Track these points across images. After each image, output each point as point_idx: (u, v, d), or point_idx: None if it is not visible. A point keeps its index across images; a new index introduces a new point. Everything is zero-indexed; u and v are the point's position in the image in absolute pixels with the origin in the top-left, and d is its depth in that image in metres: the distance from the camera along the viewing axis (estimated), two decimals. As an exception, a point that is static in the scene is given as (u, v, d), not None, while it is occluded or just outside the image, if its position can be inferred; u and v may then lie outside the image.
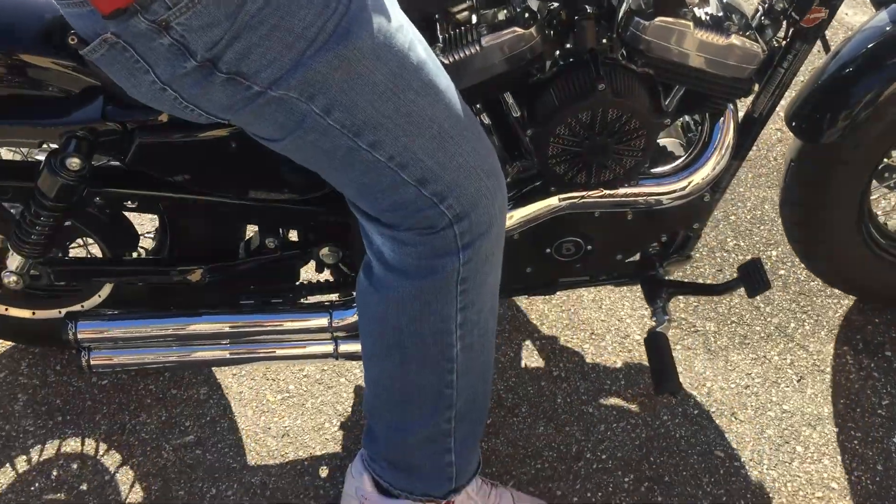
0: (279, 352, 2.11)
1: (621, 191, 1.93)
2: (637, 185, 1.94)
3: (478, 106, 1.84)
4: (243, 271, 2.09)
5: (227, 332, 2.07)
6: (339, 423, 2.29)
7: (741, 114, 1.99)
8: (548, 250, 2.06)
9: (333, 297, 2.18)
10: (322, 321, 2.06)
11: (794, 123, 2.10)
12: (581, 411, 2.31)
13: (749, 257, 2.42)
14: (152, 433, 2.27)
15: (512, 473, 2.19)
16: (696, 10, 1.75)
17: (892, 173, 2.32)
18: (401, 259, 1.63)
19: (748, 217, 2.81)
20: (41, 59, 1.70)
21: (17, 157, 2.32)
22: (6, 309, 2.29)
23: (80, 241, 2.23)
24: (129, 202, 1.94)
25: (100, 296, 2.25)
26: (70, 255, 2.20)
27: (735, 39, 1.74)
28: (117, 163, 1.89)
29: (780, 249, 2.67)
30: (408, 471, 1.91)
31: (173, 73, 1.40)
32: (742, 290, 2.19)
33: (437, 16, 1.78)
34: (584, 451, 2.23)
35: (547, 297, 2.56)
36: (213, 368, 2.41)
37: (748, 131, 2.00)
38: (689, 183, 1.94)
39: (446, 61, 1.70)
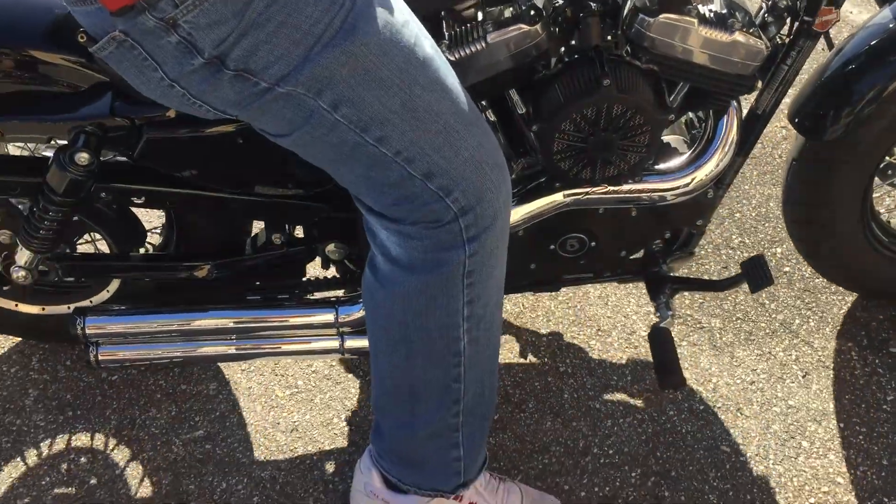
0: (285, 347, 2.12)
1: (625, 187, 1.94)
2: (641, 181, 1.94)
3: (483, 103, 1.85)
4: (250, 267, 2.10)
5: (233, 327, 2.08)
6: (347, 419, 2.30)
7: (745, 111, 2.00)
8: (552, 247, 2.07)
9: (339, 292, 2.18)
10: (328, 317, 2.07)
11: (797, 120, 2.11)
12: (588, 407, 2.32)
13: (753, 254, 2.43)
14: (162, 428, 2.29)
15: (519, 468, 2.19)
16: (700, 7, 1.75)
17: (895, 171, 2.33)
18: (406, 253, 1.64)
19: (753, 214, 2.82)
20: (51, 56, 1.72)
21: (25, 154, 2.33)
22: (16, 305, 2.31)
23: (87, 236, 2.24)
24: (137, 198, 1.95)
25: (108, 291, 2.26)
26: (78, 250, 2.21)
27: (739, 36, 1.75)
28: (124, 158, 1.90)
29: (784, 246, 2.68)
30: (416, 466, 1.91)
31: (181, 71, 1.41)
32: (747, 287, 2.19)
33: (443, 13, 1.79)
34: (591, 446, 2.23)
35: (553, 293, 2.58)
36: (222, 364, 2.42)
37: (752, 128, 2.00)
38: (693, 179, 1.95)
39: (452, 58, 1.71)
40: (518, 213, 1.95)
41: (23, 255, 1.99)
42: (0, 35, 1.71)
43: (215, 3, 1.34)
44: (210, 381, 2.39)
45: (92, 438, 2.27)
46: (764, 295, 2.57)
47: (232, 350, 2.11)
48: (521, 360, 2.43)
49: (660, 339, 2.08)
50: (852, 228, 2.27)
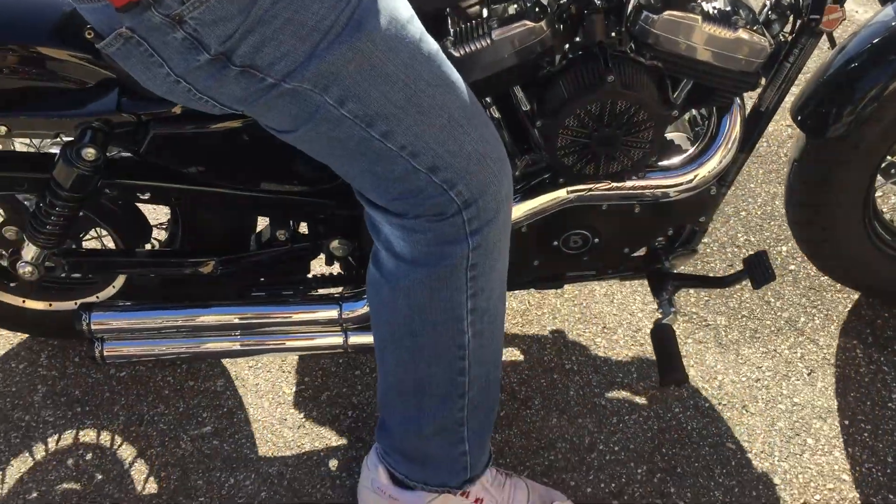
0: (289, 344, 2.13)
1: (629, 183, 1.94)
2: (644, 177, 1.95)
3: (488, 99, 1.85)
4: (254, 264, 2.11)
5: (237, 323, 2.09)
6: (354, 415, 2.31)
7: (748, 108, 2.00)
8: (555, 243, 2.08)
9: (343, 289, 2.19)
10: (332, 313, 2.08)
11: (799, 118, 2.11)
12: (593, 404, 2.33)
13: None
14: (170, 424, 2.30)
15: (526, 464, 2.20)
16: (703, 4, 1.75)
17: (896, 169, 2.34)
18: (410, 247, 1.65)
19: (759, 213, 2.83)
20: (58, 52, 1.73)
21: (31, 150, 2.33)
22: (24, 301, 2.32)
23: (93, 232, 2.26)
24: (142, 194, 1.96)
25: (114, 287, 2.27)
26: (84, 246, 2.22)
27: (742, 34, 1.75)
28: (130, 154, 1.91)
29: (790, 245, 2.68)
30: (422, 462, 1.92)
31: (187, 67, 1.42)
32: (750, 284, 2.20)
33: (448, 10, 1.80)
34: (596, 443, 2.24)
35: (559, 291, 2.58)
36: (229, 361, 2.44)
37: (755, 125, 2.00)
38: (696, 176, 1.95)
39: (457, 54, 1.72)
40: (522, 210, 1.96)
41: (29, 251, 2.00)
42: (8, 32, 1.72)
43: (221, 0, 1.35)
44: (218, 377, 2.40)
45: (100, 434, 2.28)
46: (769, 293, 2.57)
47: (236, 346, 2.12)
48: (527, 358, 2.43)
49: (662, 335, 2.09)
50: (855, 228, 2.27)
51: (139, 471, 2.20)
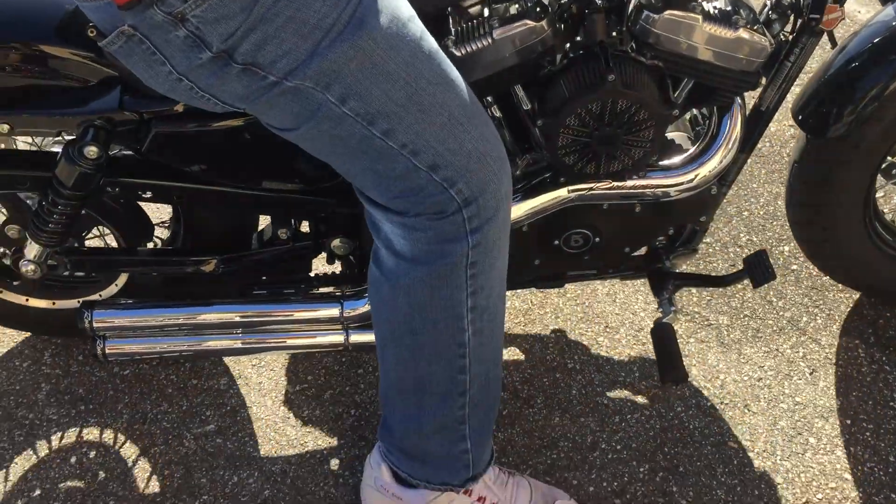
0: (290, 342, 2.14)
1: (629, 182, 1.95)
2: (645, 176, 1.95)
3: (489, 98, 1.85)
4: (256, 262, 2.12)
5: (239, 321, 2.10)
6: (357, 414, 2.32)
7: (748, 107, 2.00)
8: (556, 242, 2.08)
9: (345, 287, 2.19)
10: (333, 311, 2.08)
11: (800, 118, 2.11)
12: (596, 403, 2.33)
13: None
14: (174, 422, 2.31)
15: (528, 463, 2.21)
16: (704, 4, 1.76)
17: (897, 170, 2.34)
18: (410, 246, 1.65)
19: (761, 213, 2.83)
20: (60, 51, 1.73)
21: (33, 149, 2.33)
22: (27, 300, 2.33)
23: (96, 231, 2.26)
24: (144, 192, 1.96)
25: (116, 285, 2.28)
26: (86, 244, 2.23)
27: (743, 33, 1.75)
28: (132, 153, 1.92)
29: (792, 245, 2.68)
30: (424, 460, 1.92)
31: (189, 65, 1.43)
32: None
33: (449, 9, 1.81)
34: (599, 442, 2.25)
35: (562, 291, 2.59)
36: (232, 360, 2.44)
37: (755, 125, 2.01)
38: (697, 175, 1.95)
39: (459, 54, 1.72)
40: (522, 209, 1.96)
41: (32, 249, 2.01)
42: (11, 30, 1.73)
43: (224, -1, 1.36)
44: (221, 376, 2.41)
45: (104, 432, 2.29)
46: (771, 293, 2.58)
47: (238, 344, 2.12)
48: (530, 357, 2.44)
49: (662, 334, 2.10)
50: (855, 228, 2.27)
51: (143, 469, 2.21)
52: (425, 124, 1.53)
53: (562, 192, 1.95)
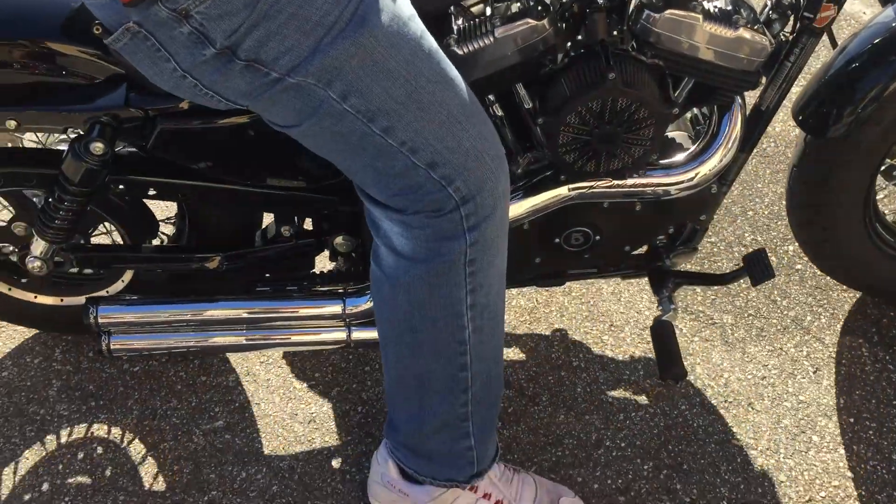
0: (294, 338, 2.15)
1: (630, 181, 1.95)
2: (645, 175, 1.96)
3: (490, 97, 1.86)
4: (260, 259, 2.13)
5: (243, 318, 2.11)
6: (363, 411, 2.33)
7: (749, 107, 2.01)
8: (557, 240, 2.09)
9: (347, 284, 2.20)
10: (335, 308, 2.09)
11: (800, 118, 2.12)
12: (600, 401, 2.34)
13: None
14: (183, 418, 2.32)
15: (533, 460, 2.22)
16: (705, 3, 1.76)
17: (897, 170, 2.34)
18: (409, 243, 1.66)
19: (765, 212, 2.84)
20: (66, 48, 1.74)
21: (39, 147, 2.35)
22: (35, 297, 2.35)
23: (102, 227, 2.27)
24: (149, 190, 1.97)
25: (123, 281, 2.29)
26: (92, 241, 2.24)
27: (743, 32, 1.75)
28: (135, 149, 1.93)
29: (796, 244, 2.66)
30: (428, 457, 1.94)
31: (193, 61, 1.44)
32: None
33: (451, 8, 1.82)
34: (603, 439, 2.26)
35: (566, 290, 2.60)
36: (240, 356, 2.46)
37: (755, 124, 2.01)
38: (697, 174, 1.96)
39: (460, 52, 1.73)
40: (523, 207, 1.97)
41: (38, 246, 2.02)
42: (17, 27, 1.74)
43: (227, -5, 1.37)
44: (229, 372, 2.42)
45: (113, 428, 2.30)
46: (775, 292, 2.59)
47: (241, 340, 2.14)
48: (535, 355, 2.45)
49: (661, 331, 2.10)
50: (855, 228, 2.27)
51: (152, 464, 2.22)
52: (424, 122, 1.54)
53: (562, 191, 1.96)
